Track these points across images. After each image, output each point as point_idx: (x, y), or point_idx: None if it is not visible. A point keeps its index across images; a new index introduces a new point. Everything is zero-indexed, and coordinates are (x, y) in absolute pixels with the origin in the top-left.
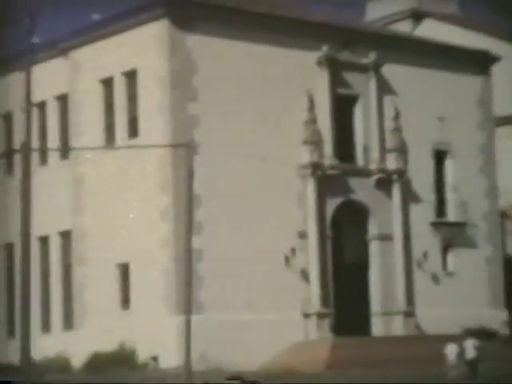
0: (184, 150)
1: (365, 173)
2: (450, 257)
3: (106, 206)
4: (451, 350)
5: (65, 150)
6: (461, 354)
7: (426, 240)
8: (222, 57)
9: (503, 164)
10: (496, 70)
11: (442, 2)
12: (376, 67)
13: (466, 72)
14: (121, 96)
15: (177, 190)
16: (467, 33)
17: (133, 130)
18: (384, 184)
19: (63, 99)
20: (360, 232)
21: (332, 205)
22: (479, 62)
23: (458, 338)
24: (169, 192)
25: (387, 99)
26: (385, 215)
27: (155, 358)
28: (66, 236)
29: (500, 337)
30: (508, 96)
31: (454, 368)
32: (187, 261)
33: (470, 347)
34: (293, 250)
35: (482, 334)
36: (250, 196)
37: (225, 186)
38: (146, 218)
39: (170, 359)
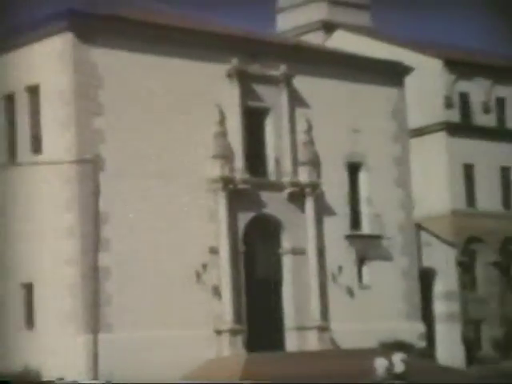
0: (89, 165)
1: (277, 186)
2: (365, 270)
3: (11, 224)
4: (380, 364)
5: None
6: (389, 368)
7: (340, 253)
8: (128, 70)
9: (418, 175)
10: (409, 81)
11: (353, 13)
12: (287, 79)
13: (380, 83)
14: (23, 112)
15: (83, 207)
16: (379, 44)
17: (37, 147)
18: (297, 198)
19: None
20: (273, 246)
21: (244, 219)
22: (392, 74)
23: (374, 352)
24: (74, 209)
25: (299, 111)
26: (298, 229)
27: (62, 379)
28: None
29: (416, 350)
30: (422, 107)
31: (383, 382)
32: (94, 279)
33: (398, 361)
34: (204, 266)
35: (399, 347)
36: (159, 211)
37: (133, 201)
38: (51, 236)
39: (78, 379)
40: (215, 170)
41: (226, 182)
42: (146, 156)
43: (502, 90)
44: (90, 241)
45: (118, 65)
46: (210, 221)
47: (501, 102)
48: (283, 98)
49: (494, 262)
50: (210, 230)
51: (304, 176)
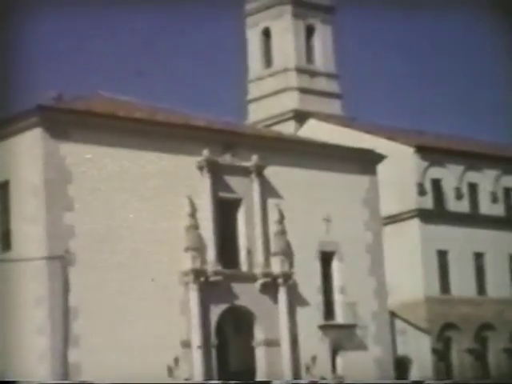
0: (59, 261)
1: (249, 277)
2: (339, 360)
3: None
4: None
5: None
6: None
7: (314, 344)
8: (98, 164)
9: (392, 263)
10: (382, 168)
11: (325, 102)
12: (259, 170)
13: (352, 171)
14: None
15: (52, 303)
16: (351, 132)
17: (6, 243)
18: (269, 288)
19: None
20: (246, 338)
21: (216, 312)
22: (364, 162)
23: None
24: (44, 306)
25: (271, 201)
26: (271, 320)
27: None
28: None
29: None
30: (394, 194)
31: None
32: (64, 375)
33: None
34: (176, 360)
35: None
36: (130, 305)
37: (103, 296)
38: (22, 333)
39: None
40: (187, 262)
41: (198, 274)
42: (117, 249)
43: (474, 176)
44: (60, 337)
45: (88, 158)
46: (182, 314)
47: (473, 188)
48: (255, 189)
49: (469, 349)
50: (181, 323)
51: (276, 266)
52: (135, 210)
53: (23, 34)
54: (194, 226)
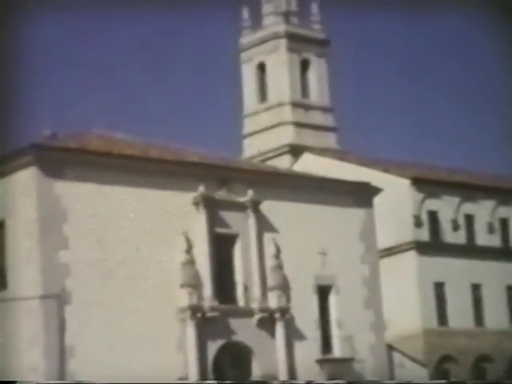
0: (55, 300)
1: (246, 313)
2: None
3: None
4: None
5: None
6: None
7: (311, 378)
8: (93, 202)
9: (389, 295)
10: (378, 200)
11: (320, 135)
12: (254, 205)
13: (348, 205)
14: None
15: (48, 342)
16: (347, 165)
17: (1, 282)
18: (266, 323)
19: None
20: (243, 374)
21: (213, 348)
22: (360, 195)
23: None
24: (39, 345)
25: (267, 236)
26: (268, 355)
27: None
28: None
29: None
30: (391, 227)
31: None
32: None
33: None
34: None
35: None
36: (126, 342)
37: (99, 334)
38: (17, 372)
39: None
40: (183, 298)
41: (195, 310)
42: (113, 287)
43: (470, 207)
44: (55, 376)
45: (83, 196)
46: (179, 350)
47: (470, 219)
48: (251, 224)
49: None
50: (178, 359)
51: (273, 301)
52: (131, 248)
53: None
54: (190, 262)
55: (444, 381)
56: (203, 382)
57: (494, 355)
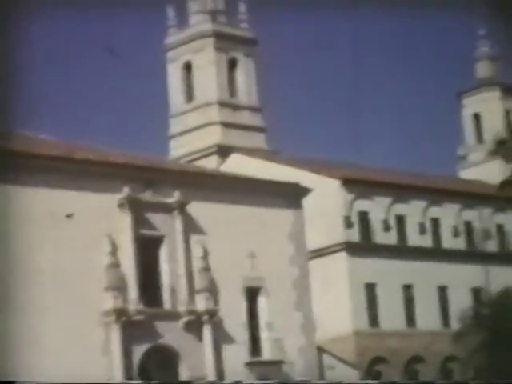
0: None
1: (173, 316)
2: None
3: None
4: None
5: None
6: None
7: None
8: (12, 204)
9: (319, 297)
10: (308, 201)
11: (248, 136)
12: (181, 206)
13: (277, 206)
14: None
15: None
16: (276, 166)
17: None
18: (194, 326)
19: None
20: (170, 378)
21: (139, 351)
22: (289, 195)
23: None
24: None
25: (195, 238)
26: (196, 358)
27: None
28: None
29: None
30: (321, 228)
31: None
32: None
33: None
34: None
35: None
36: (51, 348)
37: (24, 339)
38: None
39: None
40: (108, 302)
41: (120, 314)
42: (38, 293)
43: (401, 208)
44: None
45: (3, 199)
46: (104, 354)
47: (401, 220)
48: (178, 225)
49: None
50: (103, 364)
51: (201, 304)
52: (55, 250)
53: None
54: (115, 265)
55: (376, 381)
56: (130, 381)
57: (426, 356)
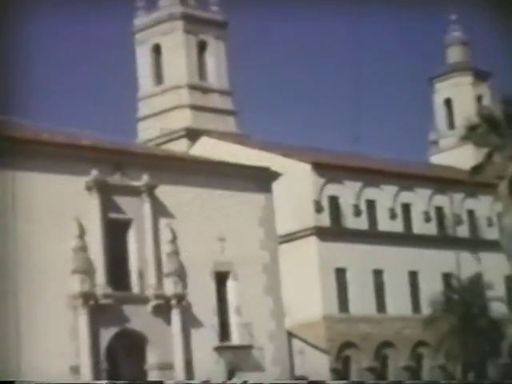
0: None
1: (141, 300)
2: (236, 382)
3: None
4: None
5: None
6: None
7: (209, 366)
8: None
9: (289, 282)
10: (278, 186)
11: (218, 119)
12: (150, 189)
13: (247, 190)
14: None
15: None
16: (246, 150)
17: None
18: (162, 310)
19: None
20: (138, 362)
21: (106, 335)
22: (259, 179)
23: None
24: None
25: (163, 221)
26: (164, 343)
27: None
28: None
29: None
30: (291, 212)
31: None
32: None
33: None
34: None
35: None
36: (18, 332)
37: None
38: None
39: None
40: (75, 285)
41: (87, 297)
42: (6, 276)
43: (372, 193)
44: None
45: None
46: (71, 338)
47: (371, 205)
48: (146, 209)
49: (369, 368)
50: (70, 348)
51: (169, 288)
52: (22, 233)
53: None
54: (82, 248)
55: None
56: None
57: (397, 341)
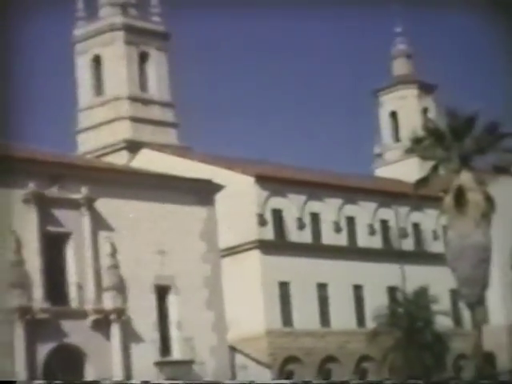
0: None
1: (79, 314)
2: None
3: None
4: None
5: None
6: None
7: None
8: None
9: (232, 296)
10: (221, 199)
11: (159, 131)
12: (89, 202)
13: (188, 203)
14: None
15: None
16: (188, 162)
17: None
18: (101, 325)
19: None
20: (76, 378)
21: (43, 351)
22: (201, 192)
23: None
24: None
25: (103, 235)
26: (104, 358)
27: None
28: None
29: None
30: (234, 225)
31: None
32: None
33: None
34: None
35: None
36: None
37: None
38: None
39: None
40: (12, 299)
41: (24, 312)
42: None
43: (316, 206)
44: None
45: None
46: (6, 354)
47: (315, 218)
48: (85, 222)
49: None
50: (5, 364)
51: (108, 302)
52: None
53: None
54: (20, 262)
55: (288, 381)
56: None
57: (340, 356)
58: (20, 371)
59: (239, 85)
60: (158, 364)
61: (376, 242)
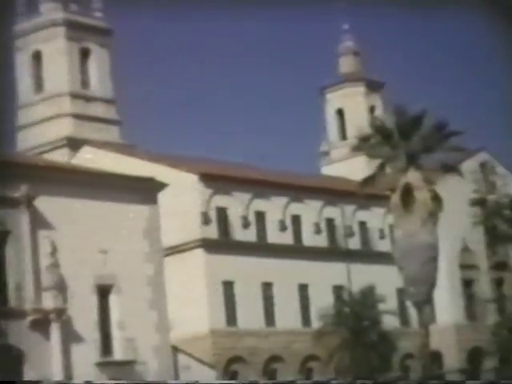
0: None
1: (18, 314)
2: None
3: None
4: None
5: None
6: None
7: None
8: None
9: (175, 295)
10: (164, 197)
11: (101, 128)
12: (28, 200)
13: (130, 201)
14: None
15: None
16: (131, 160)
17: None
18: (41, 325)
19: None
20: (15, 379)
21: None
22: (143, 190)
23: None
24: None
25: (43, 233)
26: (43, 359)
27: None
28: None
29: None
30: (178, 224)
31: None
32: None
33: None
34: None
35: None
36: None
37: None
38: None
39: None
40: None
41: None
42: None
43: (261, 204)
44: None
45: None
46: None
47: (261, 216)
48: (24, 220)
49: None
50: None
51: (48, 302)
52: None
53: None
54: None
55: (233, 381)
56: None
57: (286, 356)
58: None
59: (183, 82)
60: (100, 364)
61: (322, 241)
